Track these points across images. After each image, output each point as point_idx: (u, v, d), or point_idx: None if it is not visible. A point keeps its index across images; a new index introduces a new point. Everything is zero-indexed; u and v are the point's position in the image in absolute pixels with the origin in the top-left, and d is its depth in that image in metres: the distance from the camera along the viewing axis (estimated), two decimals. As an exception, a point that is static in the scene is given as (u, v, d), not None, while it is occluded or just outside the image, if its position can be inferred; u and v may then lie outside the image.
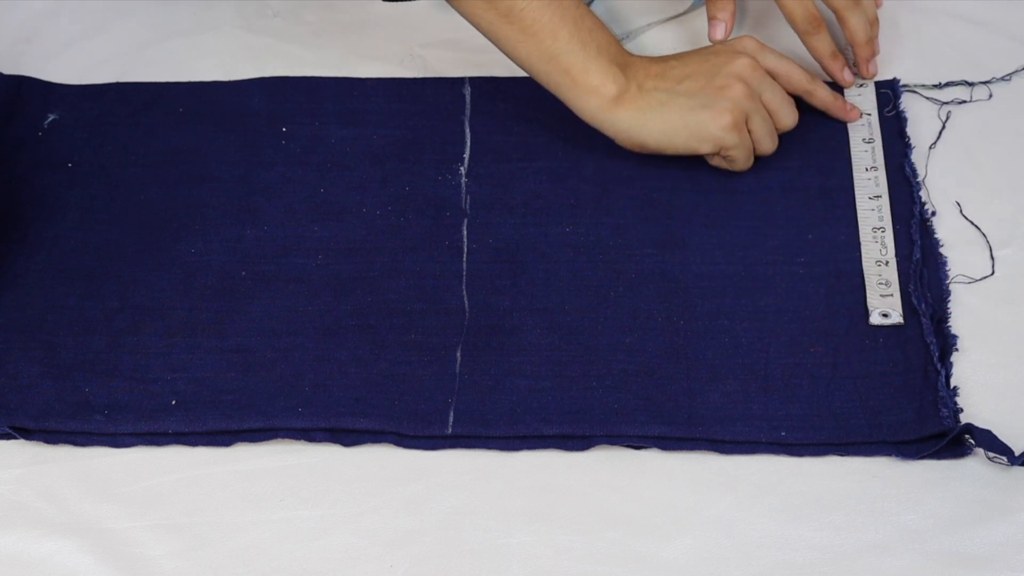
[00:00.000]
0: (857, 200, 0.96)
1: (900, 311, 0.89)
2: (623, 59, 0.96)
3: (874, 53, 1.03)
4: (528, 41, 0.95)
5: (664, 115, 0.95)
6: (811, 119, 1.01)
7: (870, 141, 0.99)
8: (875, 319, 0.89)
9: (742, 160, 0.96)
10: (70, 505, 0.83)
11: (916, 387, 0.86)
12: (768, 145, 0.97)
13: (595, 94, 0.95)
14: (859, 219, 0.94)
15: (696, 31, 1.08)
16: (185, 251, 0.95)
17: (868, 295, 0.90)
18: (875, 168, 0.97)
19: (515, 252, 0.94)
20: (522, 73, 1.02)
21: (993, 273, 0.92)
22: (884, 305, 0.90)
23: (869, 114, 1.01)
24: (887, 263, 0.92)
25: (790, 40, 1.05)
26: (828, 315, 0.90)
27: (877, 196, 0.96)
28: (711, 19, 1.03)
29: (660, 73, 0.96)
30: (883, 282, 0.91)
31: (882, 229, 0.94)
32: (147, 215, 0.97)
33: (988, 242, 0.94)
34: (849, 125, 1.01)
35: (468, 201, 0.97)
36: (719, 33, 1.03)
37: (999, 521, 0.81)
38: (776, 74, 0.98)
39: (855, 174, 0.97)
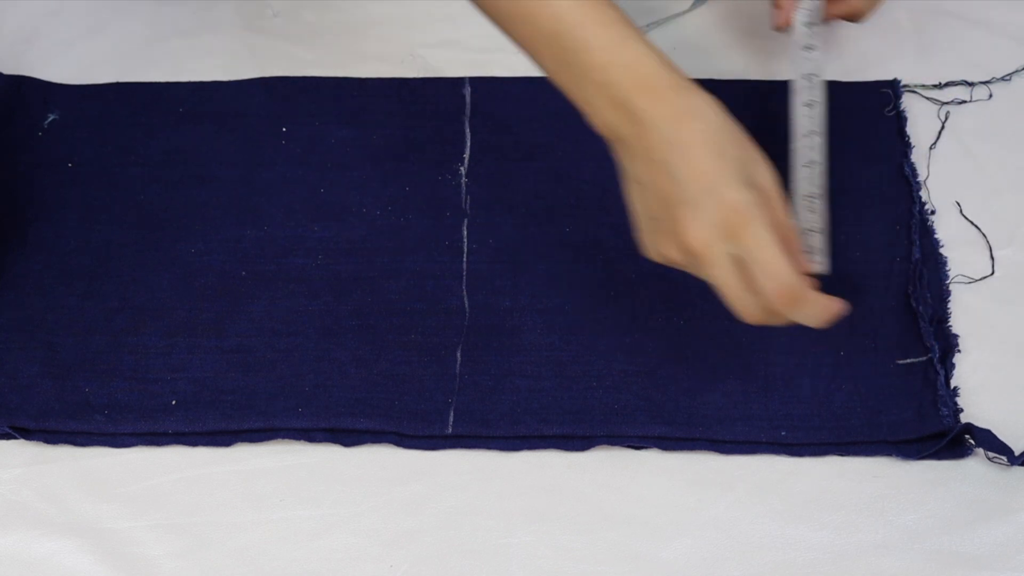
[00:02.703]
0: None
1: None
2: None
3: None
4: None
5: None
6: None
7: (811, 134, 0.98)
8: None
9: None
10: (70, 505, 0.83)
11: (916, 387, 0.87)
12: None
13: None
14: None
15: (696, 31, 1.08)
16: (185, 251, 0.95)
17: None
18: (814, 163, 0.96)
19: (515, 252, 0.94)
20: (522, 73, 1.02)
21: (993, 273, 0.93)
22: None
23: (815, 101, 0.99)
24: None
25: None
26: (828, 315, 0.90)
27: (813, 196, 0.95)
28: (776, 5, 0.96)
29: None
30: None
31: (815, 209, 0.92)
32: (147, 215, 0.97)
33: (988, 242, 0.94)
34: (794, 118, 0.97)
35: (468, 201, 0.97)
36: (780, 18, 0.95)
37: (999, 521, 0.81)
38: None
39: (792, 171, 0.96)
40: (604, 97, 0.80)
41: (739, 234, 0.77)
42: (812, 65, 0.97)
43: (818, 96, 0.94)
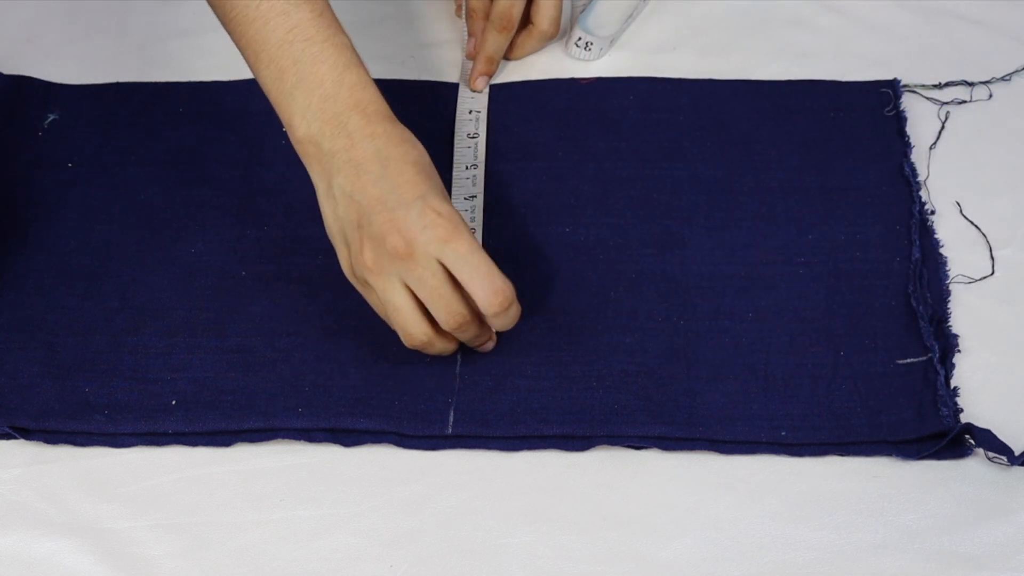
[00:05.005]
0: (453, 197, 0.96)
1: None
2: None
3: (488, 72, 1.04)
4: (245, 53, 0.88)
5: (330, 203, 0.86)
6: (808, 119, 1.01)
7: (474, 136, 1.00)
8: None
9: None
10: (70, 505, 0.83)
11: (916, 387, 0.86)
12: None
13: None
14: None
15: (696, 30, 1.08)
16: (185, 251, 0.95)
17: None
18: (475, 166, 0.98)
19: (515, 252, 0.94)
20: (521, 75, 1.02)
21: (993, 273, 0.92)
22: None
23: (479, 111, 1.02)
24: None
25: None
26: (828, 315, 0.90)
27: (472, 196, 0.97)
28: (479, 75, 1.04)
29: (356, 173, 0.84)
30: None
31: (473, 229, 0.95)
32: (147, 215, 0.97)
33: (988, 242, 0.94)
34: (457, 121, 1.01)
35: (468, 201, 0.98)
36: (480, 85, 1.03)
37: (999, 521, 0.81)
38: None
39: (455, 171, 0.98)
40: (319, 110, 0.85)
41: (449, 239, 0.82)
42: (477, 101, 1.02)
43: (482, 129, 1.00)
